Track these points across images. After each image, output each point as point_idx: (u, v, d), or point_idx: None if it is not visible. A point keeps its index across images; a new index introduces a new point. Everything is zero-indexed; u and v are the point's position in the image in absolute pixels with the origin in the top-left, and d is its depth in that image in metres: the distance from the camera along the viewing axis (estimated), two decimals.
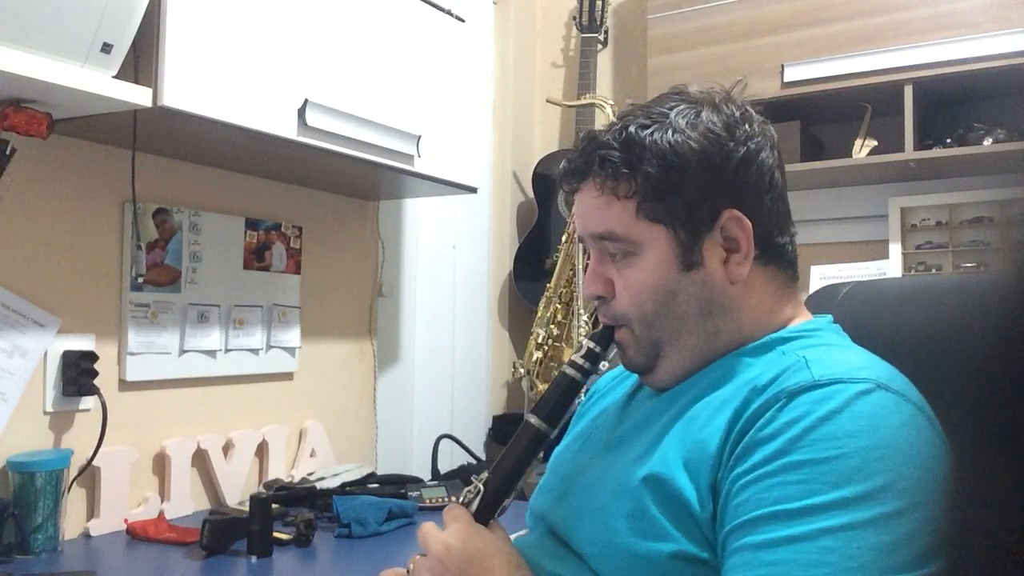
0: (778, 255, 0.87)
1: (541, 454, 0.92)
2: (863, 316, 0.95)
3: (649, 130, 0.84)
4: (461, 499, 0.90)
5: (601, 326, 0.92)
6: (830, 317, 0.91)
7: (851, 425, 0.70)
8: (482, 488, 0.89)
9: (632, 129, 0.84)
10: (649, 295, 0.85)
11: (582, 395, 0.95)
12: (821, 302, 1.01)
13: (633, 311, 0.86)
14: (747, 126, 0.85)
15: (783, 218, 0.88)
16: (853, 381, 0.73)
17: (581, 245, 2.15)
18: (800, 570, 0.66)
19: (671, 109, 0.85)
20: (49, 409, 1.51)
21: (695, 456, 0.77)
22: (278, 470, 1.92)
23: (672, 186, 0.83)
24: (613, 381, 1.04)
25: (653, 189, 0.83)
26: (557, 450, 1.03)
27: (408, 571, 0.89)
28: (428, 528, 0.87)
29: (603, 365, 0.93)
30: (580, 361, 0.91)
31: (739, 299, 0.85)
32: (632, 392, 0.98)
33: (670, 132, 0.83)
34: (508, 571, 0.82)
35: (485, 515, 0.88)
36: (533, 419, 0.90)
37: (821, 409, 0.71)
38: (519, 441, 0.90)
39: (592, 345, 0.91)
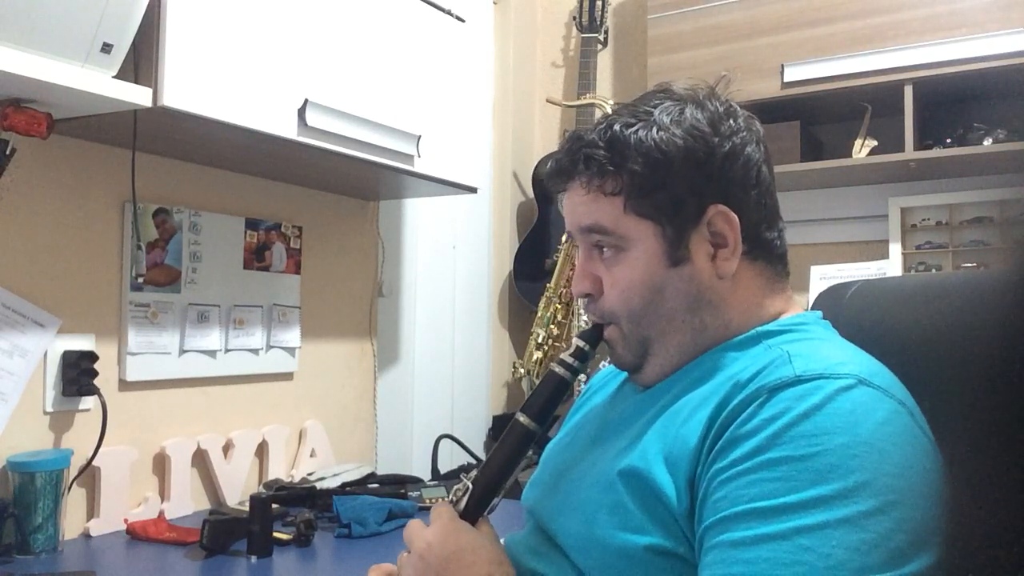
0: (766, 250, 0.87)
1: (531, 452, 0.92)
2: (871, 315, 0.95)
3: (634, 128, 0.84)
4: (450, 497, 0.91)
5: (590, 324, 0.92)
6: (819, 313, 0.91)
7: (830, 422, 0.70)
8: (470, 486, 0.89)
9: (617, 127, 0.85)
10: (637, 291, 0.85)
11: (582, 387, 0.95)
12: (829, 301, 1.01)
13: (621, 308, 0.87)
14: (731, 121, 0.85)
15: (771, 212, 0.88)
16: (835, 377, 0.72)
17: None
18: (775, 569, 0.66)
19: (655, 107, 0.85)
20: (49, 409, 1.51)
21: (675, 450, 0.77)
22: (278, 470, 1.92)
23: (658, 182, 0.83)
24: (609, 376, 1.04)
25: (639, 186, 0.83)
26: (550, 444, 1.03)
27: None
28: (413, 525, 0.88)
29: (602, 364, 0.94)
30: (569, 360, 0.91)
31: (727, 294, 0.85)
32: (620, 386, 0.98)
33: (655, 130, 0.83)
34: (488, 568, 0.82)
35: (473, 513, 0.88)
36: (522, 417, 0.90)
37: (801, 406, 0.71)
38: (508, 440, 0.91)
39: (581, 343, 0.91)
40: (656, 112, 0.85)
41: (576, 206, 0.88)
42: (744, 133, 0.86)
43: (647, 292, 0.85)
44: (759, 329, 0.85)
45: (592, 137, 0.86)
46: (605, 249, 0.87)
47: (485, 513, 0.90)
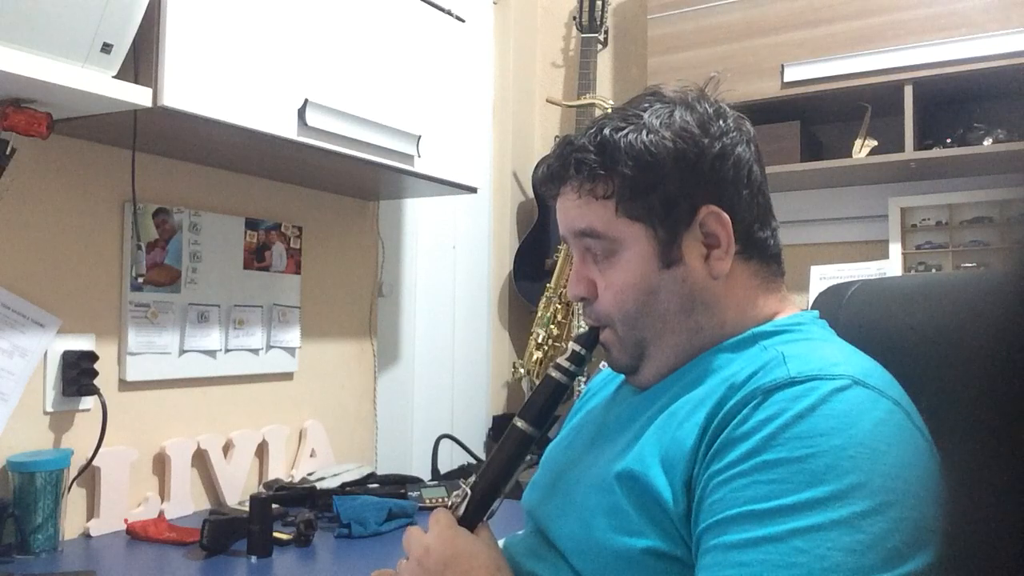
0: (760, 249, 0.87)
1: (530, 456, 0.92)
2: (871, 315, 0.95)
3: (624, 131, 0.84)
4: (449, 503, 0.91)
5: (586, 328, 0.93)
6: (816, 312, 0.91)
7: (825, 423, 0.69)
8: (469, 492, 0.90)
9: (607, 131, 0.85)
10: (631, 294, 0.86)
11: (581, 388, 0.96)
12: (828, 301, 1.01)
13: (616, 311, 0.87)
14: (721, 122, 0.86)
15: (764, 212, 0.88)
16: (829, 378, 0.72)
17: None
18: (771, 571, 0.66)
19: (645, 110, 0.86)
20: (49, 409, 1.51)
21: (672, 453, 0.77)
22: (278, 470, 1.92)
23: (649, 185, 0.83)
24: (608, 378, 1.04)
25: (630, 188, 0.84)
26: (550, 446, 1.03)
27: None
28: (412, 532, 0.88)
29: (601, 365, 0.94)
30: (565, 364, 0.91)
31: (721, 295, 0.86)
32: (618, 388, 0.98)
33: (644, 132, 0.84)
34: (486, 573, 0.82)
35: (472, 518, 0.89)
36: (520, 422, 0.91)
37: (796, 407, 0.71)
38: (506, 444, 0.91)
39: (577, 347, 0.92)
40: (645, 115, 0.85)
41: (569, 210, 0.89)
42: (734, 133, 0.86)
43: (641, 294, 0.85)
44: (755, 330, 0.85)
45: (582, 142, 0.86)
46: (599, 253, 0.88)
47: (484, 518, 0.90)
